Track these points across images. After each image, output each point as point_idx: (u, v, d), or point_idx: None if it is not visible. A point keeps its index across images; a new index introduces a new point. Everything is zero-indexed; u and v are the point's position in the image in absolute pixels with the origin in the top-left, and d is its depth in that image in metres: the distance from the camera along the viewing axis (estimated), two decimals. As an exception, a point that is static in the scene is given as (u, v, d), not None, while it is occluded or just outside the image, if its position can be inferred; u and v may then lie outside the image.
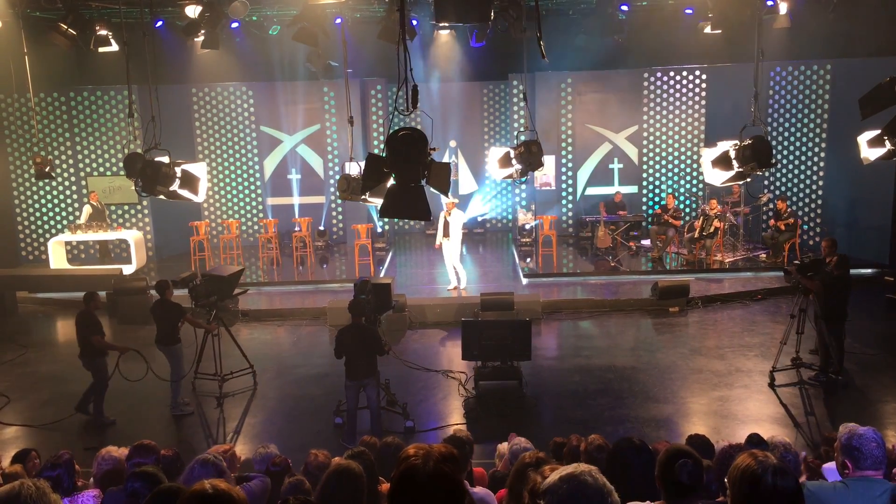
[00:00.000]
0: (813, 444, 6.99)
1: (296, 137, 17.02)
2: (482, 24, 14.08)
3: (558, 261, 14.87)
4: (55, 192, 15.97)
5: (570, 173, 16.91)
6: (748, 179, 8.18)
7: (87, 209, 15.09)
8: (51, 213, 16.07)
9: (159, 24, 13.84)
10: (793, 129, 15.28)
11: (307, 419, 8.22)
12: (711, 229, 13.93)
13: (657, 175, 16.72)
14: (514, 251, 16.04)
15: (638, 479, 3.15)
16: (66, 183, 15.93)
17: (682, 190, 16.69)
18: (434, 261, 14.24)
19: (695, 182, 16.59)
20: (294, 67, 15.92)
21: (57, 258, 14.57)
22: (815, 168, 15.09)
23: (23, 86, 11.72)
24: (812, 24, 13.40)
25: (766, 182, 15.65)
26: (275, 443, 5.20)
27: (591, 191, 16.96)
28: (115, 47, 12.93)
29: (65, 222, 15.79)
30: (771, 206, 15.02)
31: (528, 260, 15.10)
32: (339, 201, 16.88)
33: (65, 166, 15.83)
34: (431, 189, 5.23)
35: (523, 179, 14.67)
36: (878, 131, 6.92)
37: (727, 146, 7.99)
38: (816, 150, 15.01)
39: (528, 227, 16.40)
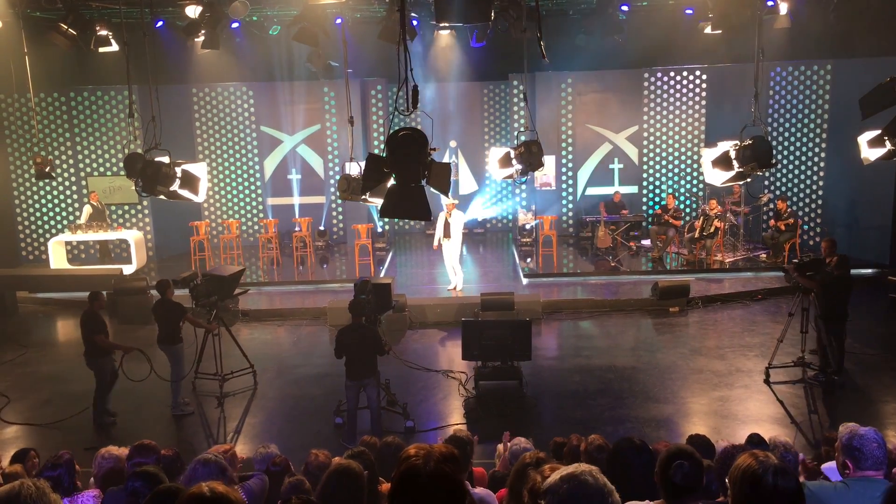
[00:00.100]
0: (813, 444, 6.99)
1: (296, 137, 17.02)
2: (482, 25, 14.09)
3: (558, 261, 14.88)
4: (55, 192, 15.97)
5: (570, 173, 16.91)
6: (748, 179, 8.18)
7: (87, 209, 15.09)
8: (51, 213, 16.07)
9: (159, 24, 13.84)
10: (793, 130, 15.28)
11: (307, 419, 8.22)
12: (712, 229, 13.93)
13: (657, 175, 16.71)
14: (514, 251, 16.04)
15: (638, 480, 3.15)
16: (67, 183, 15.93)
17: (682, 190, 16.69)
18: (434, 261, 14.24)
19: (695, 182, 16.59)
20: (294, 67, 15.92)
21: (57, 258, 14.57)
22: (815, 168, 15.08)
23: (23, 86, 11.72)
24: (812, 24, 13.39)
25: (766, 182, 15.65)
26: (275, 443, 5.20)
27: (592, 191, 16.96)
28: (115, 47, 12.93)
29: (65, 222, 15.79)
30: (771, 206, 15.02)
31: (529, 260, 15.10)
32: (339, 201, 16.88)
33: (65, 166, 15.83)
34: (431, 189, 5.23)
35: (523, 179, 14.66)
36: (879, 131, 6.92)
37: (727, 146, 7.99)
38: (817, 150, 15.01)
39: (528, 227, 16.41)
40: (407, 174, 4.97)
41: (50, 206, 16.04)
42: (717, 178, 8.31)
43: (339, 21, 13.44)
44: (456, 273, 12.85)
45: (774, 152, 9.72)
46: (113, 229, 15.08)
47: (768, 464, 2.54)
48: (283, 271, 14.99)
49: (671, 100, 16.34)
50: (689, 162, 16.55)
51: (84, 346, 8.15)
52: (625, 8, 13.71)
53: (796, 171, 15.34)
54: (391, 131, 5.01)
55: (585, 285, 13.54)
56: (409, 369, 9.53)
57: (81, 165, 15.91)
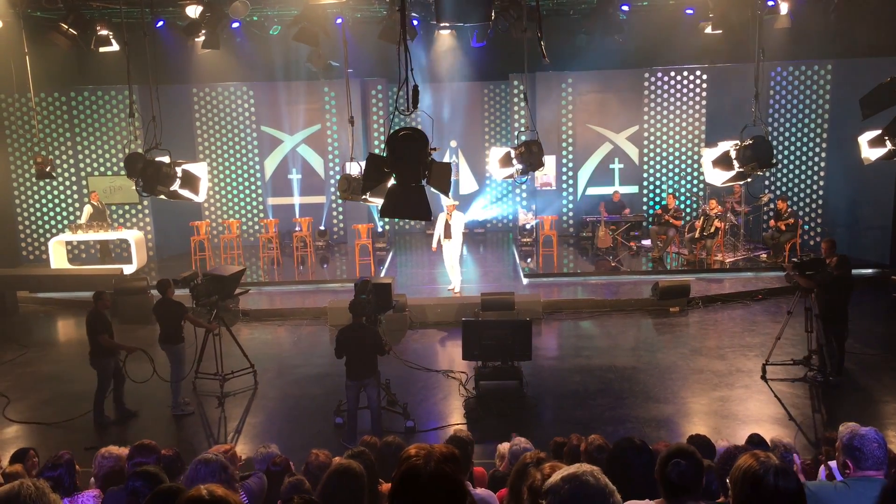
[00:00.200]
0: (813, 444, 6.99)
1: (296, 137, 17.02)
2: (483, 25, 14.09)
3: (559, 261, 14.87)
4: (56, 192, 15.97)
5: (570, 173, 16.90)
6: (749, 179, 8.19)
7: (87, 209, 15.09)
8: (51, 213, 16.07)
9: (160, 24, 13.84)
10: (793, 130, 15.27)
11: (308, 419, 8.22)
12: (712, 229, 13.93)
13: (658, 175, 16.71)
14: (514, 251, 16.04)
15: (638, 480, 3.15)
16: (67, 183, 15.93)
17: (682, 190, 16.69)
18: (434, 261, 14.24)
19: (695, 182, 16.59)
20: (295, 67, 15.92)
21: (58, 258, 14.58)
22: (815, 168, 15.08)
23: (23, 86, 11.72)
24: (813, 24, 13.39)
25: (766, 182, 15.64)
26: (275, 442, 5.21)
27: (592, 191, 16.95)
28: (115, 47, 12.94)
29: (65, 222, 15.80)
30: (771, 206, 15.02)
31: (529, 260, 15.09)
32: (339, 201, 16.88)
33: (65, 166, 15.84)
34: (431, 189, 5.23)
35: (524, 179, 14.67)
36: (879, 131, 6.93)
37: (728, 146, 8.00)
38: (817, 150, 15.01)
39: (528, 226, 16.40)
40: (407, 174, 4.97)
41: (50, 205, 16.04)
42: (717, 178, 8.32)
43: (339, 21, 13.44)
44: (456, 274, 12.83)
45: (775, 152, 9.74)
46: (113, 229, 15.08)
47: (769, 464, 2.54)
48: (283, 271, 15.00)
49: (671, 100, 16.33)
50: (689, 162, 16.55)
51: (90, 346, 8.16)
52: (625, 8, 13.71)
53: (797, 171, 15.34)
54: (391, 131, 5.01)
55: (586, 285, 13.54)
56: (409, 369, 9.53)
57: (82, 165, 15.91)
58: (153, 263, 15.69)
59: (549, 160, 15.05)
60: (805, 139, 15.12)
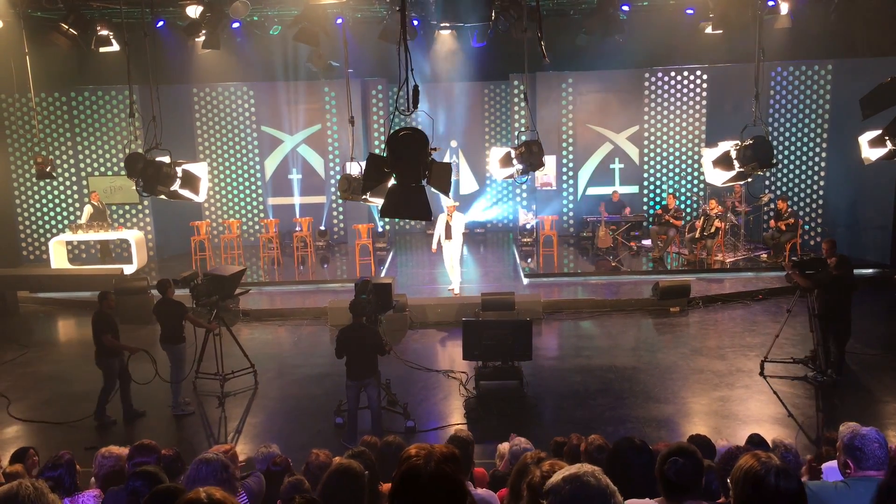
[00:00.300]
0: (814, 443, 6.98)
1: (297, 137, 17.02)
2: (483, 25, 14.11)
3: (559, 261, 14.87)
4: (56, 192, 15.97)
5: (570, 173, 16.90)
6: (749, 179, 8.19)
7: (87, 209, 15.09)
8: (52, 213, 16.07)
9: (160, 24, 13.84)
10: (794, 130, 15.27)
11: (308, 419, 8.22)
12: (712, 229, 13.93)
13: (658, 175, 16.71)
14: (514, 251, 16.04)
15: (638, 480, 3.15)
16: (67, 183, 15.93)
17: (682, 190, 16.69)
18: (435, 261, 14.24)
19: (696, 182, 16.58)
20: (295, 67, 15.92)
21: (58, 258, 14.58)
22: (815, 168, 15.08)
23: (24, 85, 11.73)
24: (813, 24, 13.39)
25: (766, 182, 15.64)
26: (276, 442, 5.20)
27: (592, 191, 16.95)
28: (116, 47, 12.95)
29: (66, 222, 15.80)
30: (772, 206, 15.02)
31: (529, 260, 15.09)
32: (339, 201, 16.88)
33: (66, 166, 15.84)
34: (432, 189, 5.23)
35: (524, 179, 14.67)
36: (879, 131, 6.93)
37: (728, 146, 7.99)
38: (817, 150, 15.00)
39: (528, 226, 16.40)
40: (407, 174, 4.97)
41: (51, 205, 16.04)
42: (717, 178, 8.32)
43: (339, 21, 13.45)
44: (456, 275, 12.83)
45: (775, 152, 9.74)
46: (114, 229, 15.08)
47: (770, 465, 2.54)
48: (283, 271, 15.00)
49: (672, 100, 16.33)
50: (689, 162, 16.54)
51: (95, 346, 8.17)
52: (625, 8, 13.70)
53: (797, 171, 15.34)
54: (392, 131, 5.01)
55: (586, 285, 13.54)
56: (409, 369, 9.52)
57: (82, 165, 15.91)
58: (153, 263, 15.69)
59: (550, 160, 15.06)
60: (805, 139, 15.12)
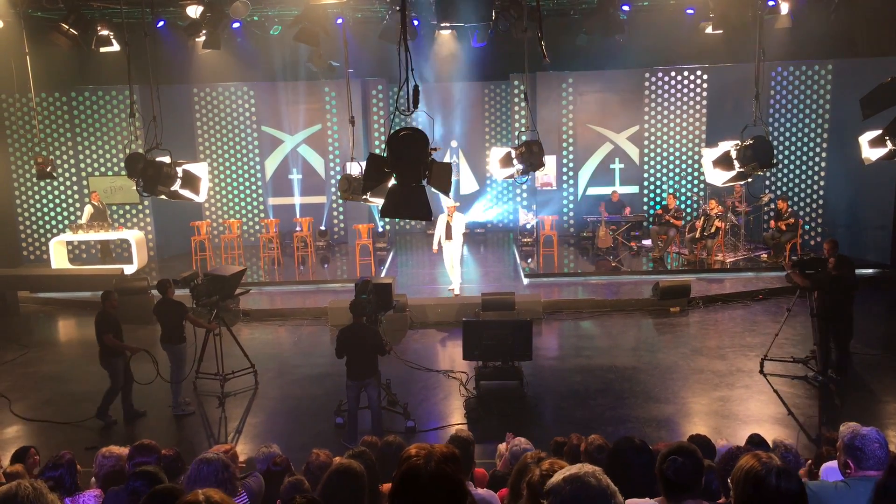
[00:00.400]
0: (814, 443, 6.98)
1: (297, 137, 17.02)
2: (483, 25, 14.09)
3: (559, 261, 14.87)
4: (56, 192, 15.98)
5: (571, 173, 16.90)
6: (749, 179, 8.18)
7: (88, 209, 15.09)
8: (52, 213, 16.08)
9: (161, 24, 13.85)
10: (794, 130, 15.26)
11: (308, 419, 8.22)
12: (712, 229, 13.93)
13: (658, 175, 16.70)
14: (515, 251, 16.04)
15: (638, 480, 3.15)
16: (68, 183, 15.94)
17: (683, 190, 16.68)
18: (435, 261, 14.24)
19: (696, 182, 16.58)
20: (295, 67, 15.93)
21: (58, 258, 14.58)
22: (816, 168, 15.07)
23: (24, 86, 11.74)
24: (813, 24, 13.39)
25: (767, 182, 15.64)
26: (276, 442, 5.21)
27: (593, 191, 16.95)
28: (116, 47, 12.95)
29: (66, 222, 15.80)
30: (772, 206, 15.02)
31: (530, 260, 15.09)
32: (340, 201, 16.88)
33: (66, 166, 15.84)
34: (432, 189, 5.23)
35: (524, 179, 14.66)
36: (880, 131, 6.93)
37: (728, 146, 7.99)
38: (817, 150, 15.00)
39: (529, 226, 16.40)
40: (408, 174, 4.97)
41: (51, 205, 16.05)
42: (717, 178, 8.32)
43: (339, 21, 13.45)
44: (456, 276, 12.82)
45: (775, 152, 9.73)
46: (114, 229, 15.08)
47: (771, 465, 2.54)
48: (283, 271, 15.00)
49: (672, 100, 16.33)
50: (689, 162, 16.54)
51: (98, 346, 8.18)
52: (626, 8, 13.71)
53: (797, 171, 15.33)
54: (392, 131, 5.01)
55: (586, 285, 13.54)
56: (409, 369, 9.53)
57: (82, 165, 15.91)
58: (154, 263, 15.69)
59: (550, 160, 15.07)
60: (805, 139, 15.12)
